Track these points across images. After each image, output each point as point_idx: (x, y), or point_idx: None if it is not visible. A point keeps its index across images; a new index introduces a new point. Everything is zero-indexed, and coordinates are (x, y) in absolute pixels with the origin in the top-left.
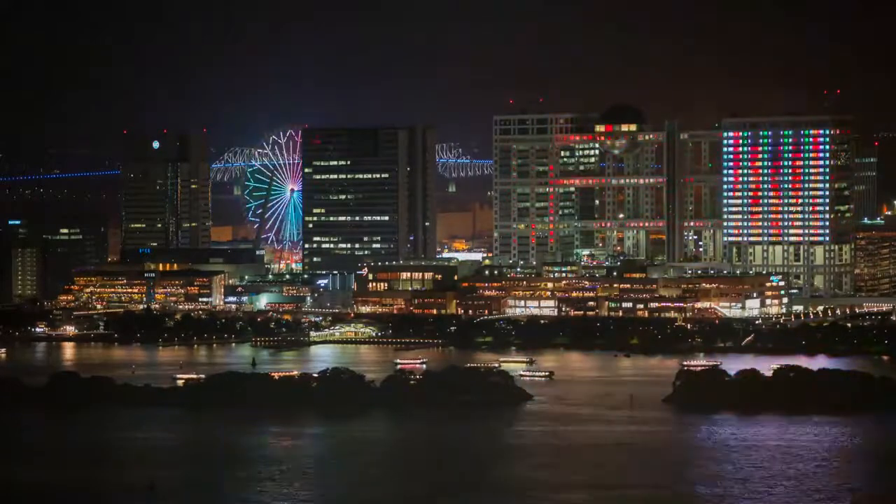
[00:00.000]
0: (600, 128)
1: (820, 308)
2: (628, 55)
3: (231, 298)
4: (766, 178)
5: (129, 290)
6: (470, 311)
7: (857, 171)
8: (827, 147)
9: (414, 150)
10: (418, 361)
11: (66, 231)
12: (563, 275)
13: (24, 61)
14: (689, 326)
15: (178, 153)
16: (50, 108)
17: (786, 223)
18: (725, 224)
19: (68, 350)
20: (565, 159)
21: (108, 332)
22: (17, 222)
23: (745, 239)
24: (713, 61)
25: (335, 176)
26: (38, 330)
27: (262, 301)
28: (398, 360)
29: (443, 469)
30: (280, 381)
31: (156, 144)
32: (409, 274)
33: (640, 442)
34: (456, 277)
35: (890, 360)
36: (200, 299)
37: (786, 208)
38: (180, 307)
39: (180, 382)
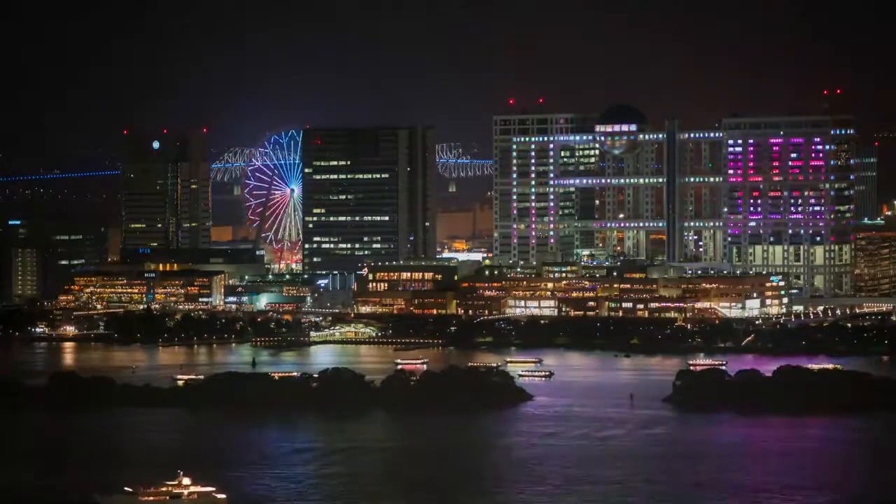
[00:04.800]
0: (600, 128)
1: (820, 308)
2: (628, 55)
3: (231, 298)
4: (766, 178)
5: (129, 290)
6: (470, 311)
7: (857, 171)
8: (827, 147)
9: (414, 150)
10: (419, 362)
11: (66, 231)
12: (563, 275)
13: (24, 61)
14: (689, 326)
15: (178, 153)
16: (50, 108)
17: (786, 223)
18: (725, 224)
19: (68, 350)
20: (565, 159)
21: (108, 332)
22: (17, 222)
23: (745, 239)
24: (713, 61)
25: (335, 176)
26: (38, 330)
27: (262, 301)
28: (398, 361)
29: (442, 470)
30: (280, 381)
31: (156, 144)
32: (409, 274)
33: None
34: (456, 277)
35: (890, 360)
36: (200, 299)
37: (786, 208)
38: (180, 307)
39: (180, 383)
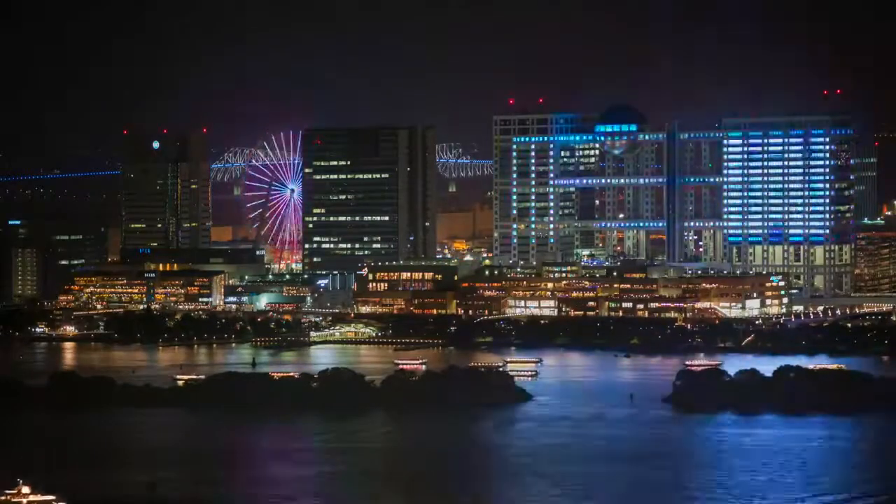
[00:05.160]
0: (600, 128)
1: (820, 308)
2: (628, 55)
3: (231, 298)
4: (766, 178)
5: (129, 290)
6: (470, 311)
7: (857, 171)
8: (827, 147)
9: (414, 150)
10: (418, 362)
11: (66, 231)
12: (563, 275)
13: (24, 61)
14: (689, 326)
15: (178, 153)
16: (50, 108)
17: (786, 223)
18: (725, 224)
19: (68, 350)
20: (565, 159)
21: (108, 332)
22: (17, 222)
23: (746, 239)
24: (713, 61)
25: (335, 176)
26: (38, 330)
27: (262, 301)
28: (398, 361)
29: (442, 470)
30: (280, 381)
31: (156, 144)
32: (409, 274)
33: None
34: (456, 277)
35: (890, 360)
36: (200, 299)
37: (786, 208)
38: (180, 307)
39: (180, 383)
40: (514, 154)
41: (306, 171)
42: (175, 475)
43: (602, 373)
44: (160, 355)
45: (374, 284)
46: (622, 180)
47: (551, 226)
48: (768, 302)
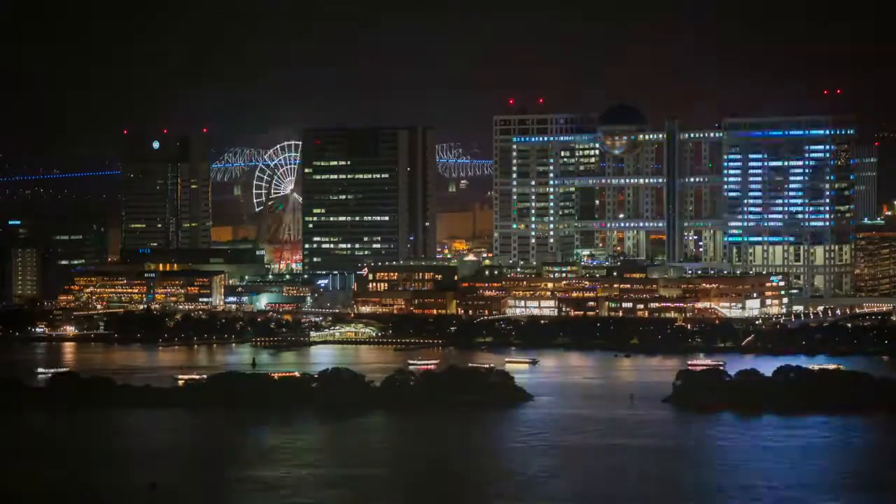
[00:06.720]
0: (600, 128)
1: (820, 308)
2: (628, 55)
3: (231, 298)
4: (766, 178)
5: (129, 290)
6: (470, 312)
7: (857, 171)
8: (827, 147)
9: (414, 150)
10: (431, 363)
11: (66, 231)
12: (563, 275)
13: (24, 61)
14: (689, 326)
15: (178, 153)
16: (50, 107)
17: (786, 224)
18: (725, 224)
19: (68, 350)
20: (565, 159)
21: (108, 332)
22: (17, 222)
23: (745, 239)
24: (713, 61)
25: (335, 176)
26: (38, 330)
27: (262, 301)
28: (410, 362)
29: (441, 470)
30: (280, 381)
31: (156, 144)
32: (409, 274)
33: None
34: (456, 277)
35: (890, 360)
36: (200, 299)
37: (786, 209)
38: (180, 307)
39: (180, 383)
40: (514, 154)
41: (306, 171)
42: (175, 475)
43: (602, 373)
44: (160, 355)
45: (374, 284)
46: (622, 180)
47: (551, 226)
48: (768, 302)
